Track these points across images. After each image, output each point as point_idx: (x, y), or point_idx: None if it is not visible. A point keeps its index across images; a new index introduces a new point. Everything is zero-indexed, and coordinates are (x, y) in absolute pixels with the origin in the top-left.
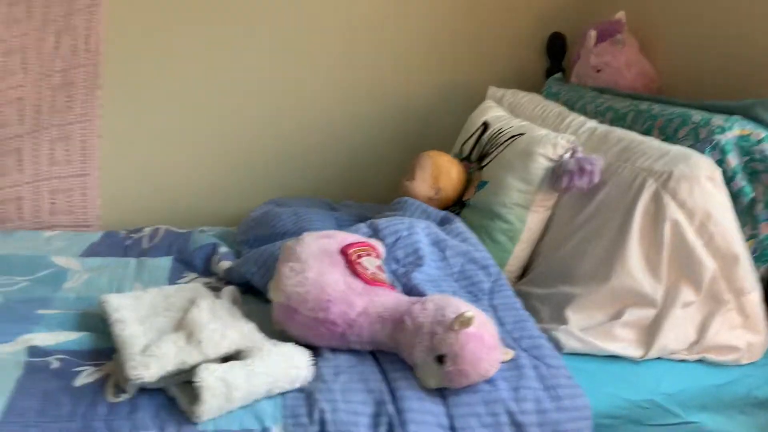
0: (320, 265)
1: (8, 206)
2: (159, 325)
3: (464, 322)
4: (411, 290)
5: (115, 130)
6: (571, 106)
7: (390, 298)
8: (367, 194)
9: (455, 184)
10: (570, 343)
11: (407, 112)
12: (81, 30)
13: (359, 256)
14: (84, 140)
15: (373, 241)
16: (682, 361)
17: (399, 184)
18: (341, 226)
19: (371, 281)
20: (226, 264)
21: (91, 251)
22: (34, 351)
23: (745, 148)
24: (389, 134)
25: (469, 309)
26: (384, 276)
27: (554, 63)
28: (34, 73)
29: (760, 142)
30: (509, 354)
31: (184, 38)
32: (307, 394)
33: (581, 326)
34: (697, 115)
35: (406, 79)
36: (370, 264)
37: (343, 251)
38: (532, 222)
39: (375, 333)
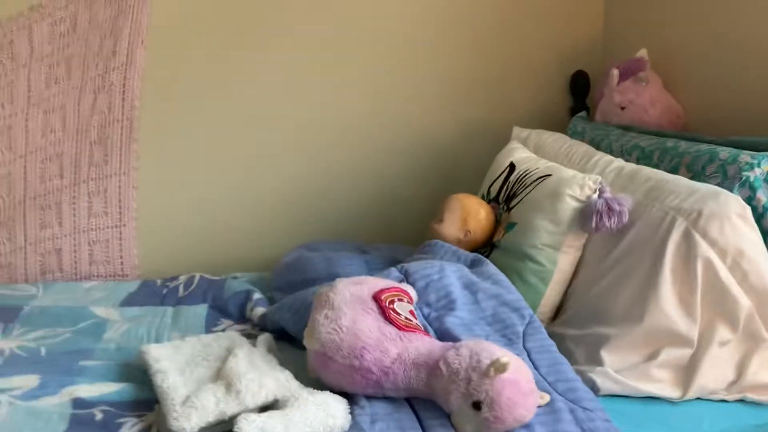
0: (354, 312)
1: (49, 258)
2: (198, 375)
3: (499, 368)
4: (444, 335)
5: (150, 180)
6: (597, 145)
7: (424, 344)
8: (395, 236)
9: (484, 226)
10: (606, 385)
11: (433, 154)
12: (117, 87)
13: (392, 302)
14: (121, 192)
15: (405, 286)
16: (722, 401)
17: (428, 226)
18: (372, 269)
19: (404, 327)
20: (260, 311)
21: (129, 301)
22: (78, 403)
23: None
24: (416, 175)
25: (505, 354)
26: (417, 321)
27: (578, 101)
28: (73, 130)
29: None
30: (545, 398)
31: (215, 90)
32: None
33: (617, 367)
34: (724, 152)
35: (431, 120)
36: (402, 309)
37: (376, 297)
38: (563, 263)
39: (410, 380)
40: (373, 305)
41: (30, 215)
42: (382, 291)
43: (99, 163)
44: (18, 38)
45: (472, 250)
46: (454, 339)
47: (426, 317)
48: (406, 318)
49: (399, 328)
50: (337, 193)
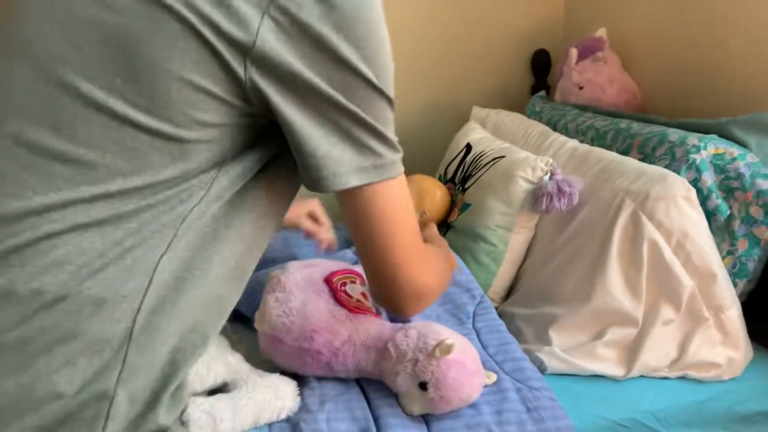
0: (304, 295)
1: None
2: None
3: (444, 349)
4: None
5: None
6: (554, 125)
7: (374, 326)
8: None
9: (439, 206)
10: (553, 364)
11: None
12: None
13: (343, 284)
14: None
15: (358, 268)
16: (664, 378)
17: None
18: (328, 250)
19: (355, 309)
20: None
21: None
22: None
23: (720, 166)
24: None
25: (451, 336)
26: (368, 303)
27: (539, 79)
28: None
29: (734, 160)
30: (492, 377)
31: None
32: (293, 424)
33: (564, 346)
34: (674, 135)
35: None
36: (354, 291)
37: (327, 280)
38: (515, 243)
39: (359, 361)
40: (324, 288)
41: None
42: (333, 273)
43: None
44: None
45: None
46: (405, 320)
47: None
48: (358, 300)
49: (349, 310)
50: None
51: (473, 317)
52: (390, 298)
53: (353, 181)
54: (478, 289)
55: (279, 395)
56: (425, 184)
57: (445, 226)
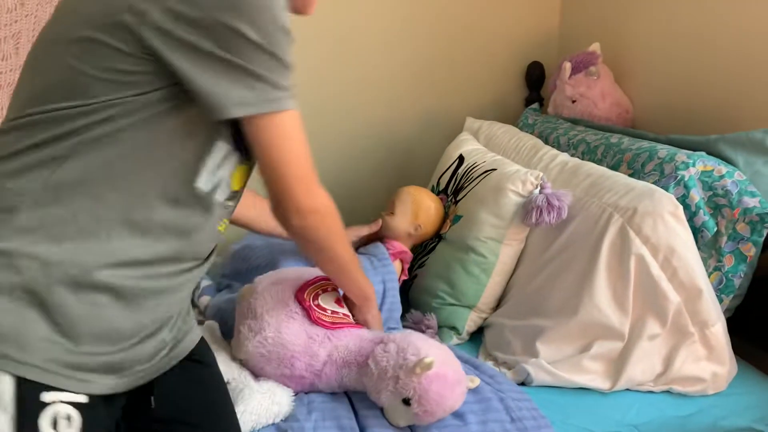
0: (277, 321)
1: None
2: None
3: (425, 367)
4: None
5: None
6: (546, 138)
7: (353, 341)
8: (348, 223)
9: (434, 220)
10: (540, 376)
11: (389, 143)
12: None
13: (316, 296)
14: None
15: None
16: (649, 392)
17: (380, 217)
18: None
19: (331, 325)
20: (205, 299)
21: None
22: None
23: (708, 183)
24: (371, 164)
25: (430, 348)
26: (344, 310)
27: (533, 92)
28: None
29: (721, 177)
30: (475, 381)
31: None
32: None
33: (551, 359)
34: (663, 151)
35: (387, 109)
36: (327, 302)
37: (298, 298)
38: (505, 255)
39: (342, 378)
40: (296, 307)
41: None
42: (303, 288)
43: None
44: None
45: (421, 243)
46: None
47: None
48: (333, 312)
49: (326, 326)
50: None
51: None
52: (280, 216)
53: (236, 112)
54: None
55: (276, 400)
56: (420, 197)
57: (437, 237)
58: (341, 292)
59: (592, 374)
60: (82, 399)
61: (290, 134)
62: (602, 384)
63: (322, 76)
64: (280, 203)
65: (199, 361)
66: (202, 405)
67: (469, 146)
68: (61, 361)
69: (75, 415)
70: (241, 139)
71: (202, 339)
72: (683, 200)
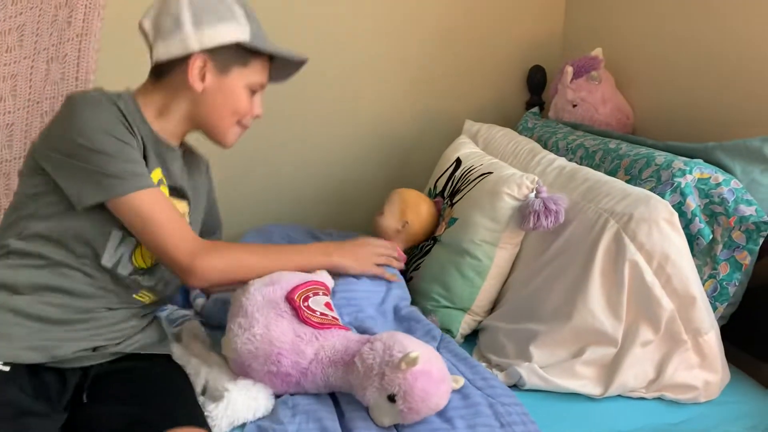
0: (267, 319)
1: None
2: None
3: (410, 362)
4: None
5: None
6: (545, 142)
7: (340, 341)
8: (348, 221)
9: (423, 219)
10: (532, 380)
11: (390, 143)
12: (71, 58)
13: (306, 299)
14: None
15: (320, 276)
16: (641, 399)
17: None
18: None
19: (319, 325)
20: (200, 302)
21: None
22: None
23: (704, 191)
24: (371, 164)
25: (416, 346)
26: (333, 314)
27: (534, 95)
28: (24, 100)
29: (718, 185)
30: (459, 381)
31: None
32: None
33: (544, 363)
34: (660, 157)
35: (388, 110)
36: (317, 305)
37: (289, 298)
38: (500, 259)
39: (328, 377)
40: (286, 307)
41: None
42: (295, 289)
43: None
44: None
45: (414, 244)
46: (370, 330)
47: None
48: (322, 314)
49: (313, 326)
50: (291, 177)
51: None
52: (173, 271)
53: (92, 199)
54: (437, 330)
55: (252, 395)
56: (408, 196)
57: (432, 239)
58: (330, 297)
59: (584, 380)
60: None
61: (150, 207)
62: (594, 390)
63: (321, 77)
64: (170, 268)
65: (145, 358)
66: (140, 390)
67: (467, 149)
68: None
69: None
70: None
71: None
72: (679, 207)
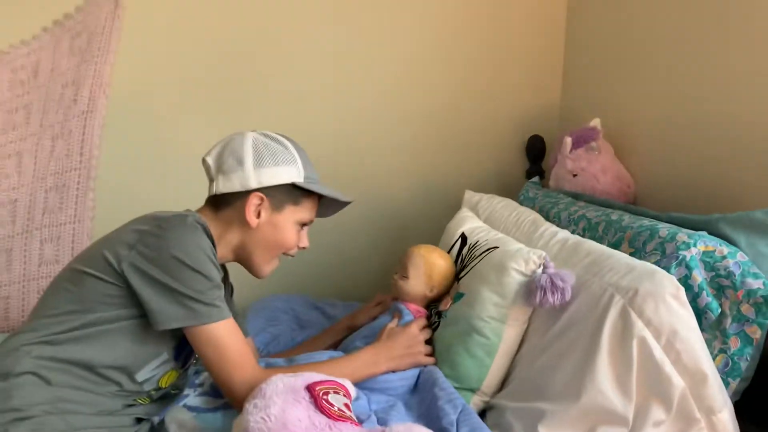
0: (284, 402)
1: None
2: None
3: None
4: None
5: (106, 229)
6: (547, 213)
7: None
8: (349, 292)
9: (449, 279)
10: None
11: (390, 212)
12: (76, 134)
13: (326, 393)
14: (74, 240)
15: (344, 381)
16: None
17: (391, 281)
18: (304, 326)
19: (336, 417)
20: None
21: None
22: None
23: (710, 263)
24: (372, 233)
25: None
26: (350, 414)
27: (534, 164)
28: (29, 176)
29: (723, 258)
30: None
31: (174, 141)
32: None
33: None
34: (663, 230)
35: (389, 179)
36: (337, 401)
37: (310, 387)
38: (509, 336)
39: None
40: (305, 395)
41: None
42: (317, 383)
43: (53, 210)
44: None
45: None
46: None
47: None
48: (339, 409)
49: (331, 417)
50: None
51: (457, 425)
52: (224, 394)
53: (174, 324)
54: (459, 399)
55: None
56: (432, 258)
57: (437, 315)
58: (351, 399)
59: None
60: None
61: (222, 340)
62: None
63: (321, 148)
64: (223, 391)
65: None
66: None
67: (471, 224)
68: None
69: None
70: (179, 353)
71: None
72: (685, 281)
